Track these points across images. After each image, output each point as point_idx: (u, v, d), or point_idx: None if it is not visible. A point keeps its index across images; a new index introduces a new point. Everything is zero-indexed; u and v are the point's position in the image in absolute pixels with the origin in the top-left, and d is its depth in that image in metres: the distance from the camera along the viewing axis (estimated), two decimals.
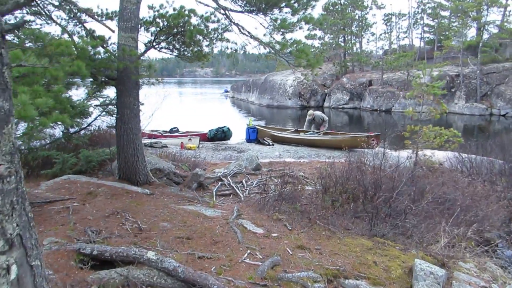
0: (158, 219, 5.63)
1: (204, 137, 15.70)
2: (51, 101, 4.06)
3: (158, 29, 6.83)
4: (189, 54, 7.56)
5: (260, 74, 59.38)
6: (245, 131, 14.60)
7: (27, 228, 2.63)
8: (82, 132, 9.41)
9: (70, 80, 5.92)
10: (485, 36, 33.75)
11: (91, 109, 8.69)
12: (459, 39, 32.27)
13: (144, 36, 7.10)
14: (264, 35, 5.85)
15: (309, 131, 14.14)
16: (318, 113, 14.69)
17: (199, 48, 7.24)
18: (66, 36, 6.83)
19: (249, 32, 5.97)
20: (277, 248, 5.05)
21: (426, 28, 42.87)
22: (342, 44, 42.10)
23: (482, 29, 33.62)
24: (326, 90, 38.23)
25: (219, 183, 8.84)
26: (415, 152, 8.29)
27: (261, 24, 5.90)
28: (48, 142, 8.83)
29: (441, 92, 8.21)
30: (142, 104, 9.87)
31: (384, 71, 33.79)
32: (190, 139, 13.96)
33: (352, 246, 5.35)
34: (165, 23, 6.62)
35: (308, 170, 10.70)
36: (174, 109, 42.06)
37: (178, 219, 5.71)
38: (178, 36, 7.10)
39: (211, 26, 6.49)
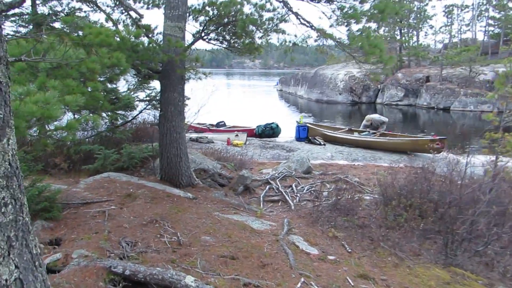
0: (200, 230, 5.04)
1: (251, 133, 15.09)
2: (83, 99, 3.51)
3: (207, 18, 6.21)
4: (240, 46, 6.90)
5: (308, 67, 57.98)
6: (295, 128, 13.79)
7: (30, 270, 2.04)
8: (127, 126, 9.02)
9: (111, 73, 5.42)
10: None
11: (136, 101, 8.27)
12: None
13: (192, 26, 6.52)
14: (331, 26, 5.02)
15: (365, 131, 13.11)
16: (376, 116, 13.64)
17: (251, 39, 6.57)
18: (110, 24, 6.37)
19: (309, 22, 5.19)
20: (336, 276, 4.30)
21: (490, 21, 39.79)
22: (398, 37, 39.99)
23: None
24: (379, 86, 36.44)
25: (267, 186, 8.17)
26: (493, 162, 7.17)
27: (323, 13, 5.11)
28: (91, 135, 8.51)
29: None
30: (188, 98, 9.39)
31: (443, 66, 31.60)
32: (237, 135, 13.39)
33: (425, 278, 4.50)
34: (215, 12, 5.99)
35: (363, 175, 9.80)
36: (221, 101, 41.90)
37: (221, 231, 5.09)
38: (229, 26, 6.45)
39: (266, 15, 5.78)
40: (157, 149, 7.97)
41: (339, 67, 41.86)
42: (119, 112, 8.12)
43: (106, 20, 5.92)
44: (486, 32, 39.97)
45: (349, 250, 5.03)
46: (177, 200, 6.08)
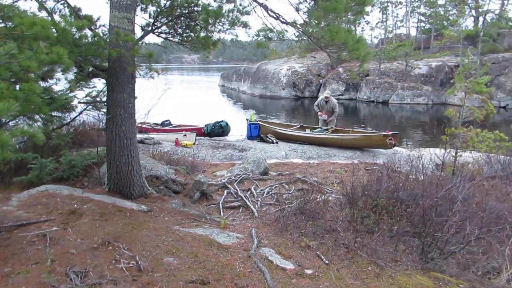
0: (161, 251, 4.41)
1: (200, 132, 14.41)
2: (16, 106, 2.79)
3: (158, 9, 5.52)
4: (194, 41, 6.28)
5: (247, 61, 57.47)
6: (246, 127, 13.27)
7: None
8: (64, 129, 8.05)
9: (50, 71, 4.60)
10: (482, 25, 32.86)
11: (78, 102, 7.35)
12: (457, 28, 31.29)
13: (140, 18, 5.81)
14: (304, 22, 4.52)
15: (317, 128, 12.90)
16: (334, 100, 13.46)
17: (207, 34, 5.97)
18: (45, 14, 5.48)
19: (278, 15, 4.72)
20: None
21: (422, 18, 41.86)
22: None
23: (481, 18, 32.68)
24: (321, 81, 36.96)
25: (225, 191, 7.65)
26: (451, 156, 7.19)
27: (291, 4, 4.66)
28: (22, 140, 7.46)
29: (487, 90, 7.11)
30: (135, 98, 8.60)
31: (381, 60, 32.68)
32: (185, 135, 12.66)
33: (409, 287, 4.23)
34: (168, 2, 5.32)
35: (320, 174, 9.56)
36: (163, 98, 40.45)
37: (186, 250, 4.51)
38: (182, 18, 5.81)
39: (226, 7, 5.21)
40: (102, 155, 7.16)
41: (281, 62, 42.06)
42: (55, 113, 7.23)
43: (39, 9, 5.04)
44: (418, 28, 41.93)
45: (326, 262, 4.66)
46: (130, 214, 5.38)
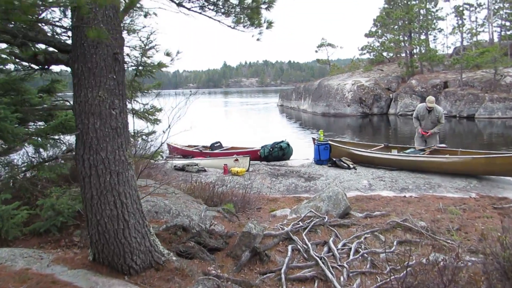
0: None
1: (255, 156, 11.84)
2: None
3: None
4: (234, 9, 3.76)
5: (305, 83, 54.77)
6: (314, 148, 10.45)
7: None
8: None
9: None
10: None
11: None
12: None
13: None
14: None
15: (410, 148, 9.75)
16: (439, 108, 10.07)
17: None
18: None
19: None
20: None
21: (504, 22, 36.76)
22: (405, 41, 36.99)
23: None
24: (391, 95, 33.21)
25: (289, 246, 4.91)
26: None
27: None
28: None
29: None
30: (160, 110, 6.31)
31: (463, 70, 28.45)
32: (236, 159, 10.12)
33: None
34: None
35: (426, 215, 6.56)
36: (219, 119, 38.86)
37: None
38: None
39: None
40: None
41: (345, 76, 38.90)
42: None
43: None
44: (501, 32, 36.95)
45: None
46: None
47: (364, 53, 44.54)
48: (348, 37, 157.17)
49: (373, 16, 73.38)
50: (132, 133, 6.35)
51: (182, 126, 7.01)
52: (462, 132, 25.29)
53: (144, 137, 6.68)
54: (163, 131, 6.19)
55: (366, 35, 44.69)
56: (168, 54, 4.92)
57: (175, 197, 5.93)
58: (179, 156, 12.66)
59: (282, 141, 11.89)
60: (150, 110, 6.02)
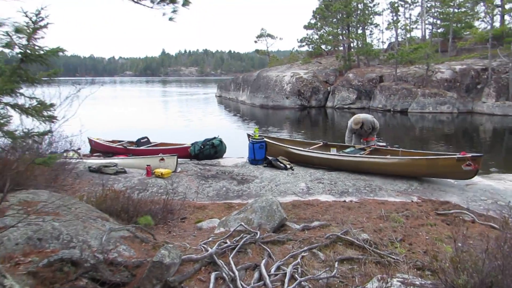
0: None
1: (185, 153, 10.72)
2: None
3: None
4: None
5: (245, 73, 53.99)
6: (248, 146, 9.50)
7: None
8: None
9: None
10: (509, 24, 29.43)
11: None
12: (485, 27, 27.79)
13: None
14: None
15: (349, 147, 9.10)
16: (369, 117, 9.36)
17: None
18: None
19: None
20: None
21: (436, 19, 38.20)
22: (343, 34, 37.27)
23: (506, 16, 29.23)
24: (329, 88, 33.26)
25: (212, 274, 3.93)
26: None
27: None
28: None
29: None
30: (52, 105, 5.10)
31: (398, 65, 28.96)
32: (162, 159, 8.95)
33: None
34: None
35: (368, 223, 5.91)
36: (155, 110, 36.95)
37: None
38: None
39: None
40: None
41: (284, 68, 38.51)
42: None
43: None
44: (432, 30, 38.37)
45: None
46: None
47: (303, 45, 44.58)
48: (289, 28, 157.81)
49: (313, 7, 73.85)
50: (22, 134, 5.08)
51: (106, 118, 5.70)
52: (396, 126, 25.74)
53: (36, 138, 5.37)
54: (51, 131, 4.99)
55: (306, 27, 44.57)
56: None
57: (72, 215, 4.73)
58: (98, 154, 11.22)
59: (215, 138, 10.83)
60: (38, 106, 4.72)
